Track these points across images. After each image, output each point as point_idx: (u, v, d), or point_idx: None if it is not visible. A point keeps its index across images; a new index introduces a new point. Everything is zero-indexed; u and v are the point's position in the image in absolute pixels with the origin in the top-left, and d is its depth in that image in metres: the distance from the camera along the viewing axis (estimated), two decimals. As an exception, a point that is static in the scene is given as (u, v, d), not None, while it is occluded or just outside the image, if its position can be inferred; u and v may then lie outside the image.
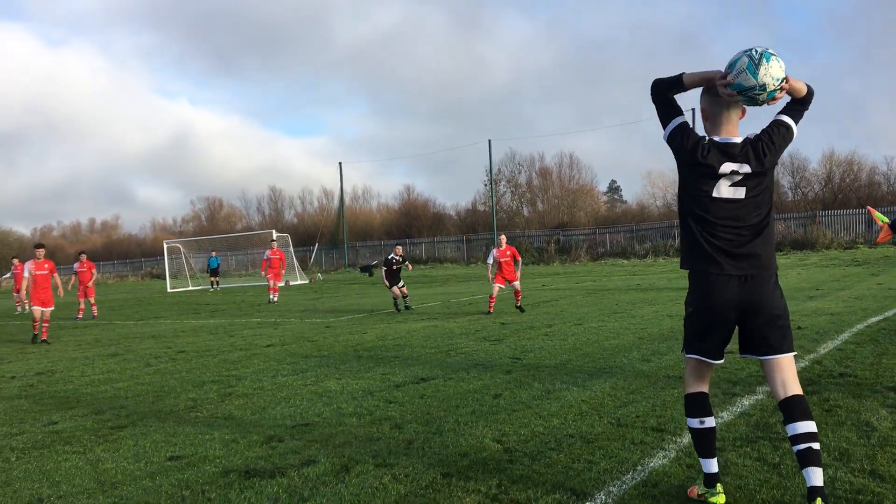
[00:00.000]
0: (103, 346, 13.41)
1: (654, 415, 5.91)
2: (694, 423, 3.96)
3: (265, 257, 25.50)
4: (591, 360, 8.77)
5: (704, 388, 4.00)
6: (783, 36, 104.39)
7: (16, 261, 27.25)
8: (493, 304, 16.12)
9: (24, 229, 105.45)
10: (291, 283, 39.68)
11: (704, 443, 3.95)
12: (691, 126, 3.91)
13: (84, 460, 5.47)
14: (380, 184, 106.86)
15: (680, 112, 3.94)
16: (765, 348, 3.79)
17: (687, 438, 5.15)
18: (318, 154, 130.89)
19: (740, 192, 3.78)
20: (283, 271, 26.16)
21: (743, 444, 5.01)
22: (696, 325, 3.88)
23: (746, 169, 3.75)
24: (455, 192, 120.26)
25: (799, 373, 7.18)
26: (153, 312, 22.66)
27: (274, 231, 43.73)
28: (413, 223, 66.26)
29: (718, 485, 3.95)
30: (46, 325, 14.97)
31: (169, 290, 40.67)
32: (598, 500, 4.07)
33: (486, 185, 60.18)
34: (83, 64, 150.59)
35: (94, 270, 22.34)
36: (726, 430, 5.34)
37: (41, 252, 15.64)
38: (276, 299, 24.07)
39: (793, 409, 3.72)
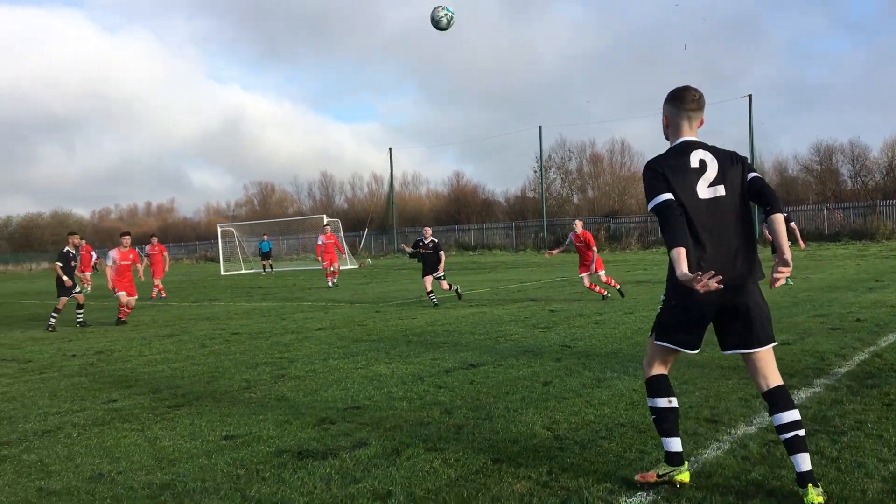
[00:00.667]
0: (160, 327, 13.74)
1: (708, 405, 5.82)
2: (662, 402, 4.10)
3: (319, 242, 25.65)
4: (642, 349, 8.66)
5: (666, 371, 4.20)
6: (843, 20, 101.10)
7: (83, 241, 27.53)
8: (596, 289, 15.49)
9: (83, 212, 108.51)
10: (341, 268, 40.04)
11: (671, 421, 4.09)
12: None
13: (142, 437, 5.62)
14: (429, 170, 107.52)
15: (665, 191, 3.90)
16: (749, 342, 3.90)
17: (742, 430, 5.07)
18: (367, 139, 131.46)
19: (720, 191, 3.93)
20: (344, 255, 26.40)
21: (800, 437, 4.90)
22: (679, 317, 4.00)
23: (715, 163, 3.93)
24: (504, 179, 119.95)
25: (859, 365, 7.03)
26: (207, 295, 23.13)
27: (325, 216, 44.17)
28: (462, 209, 66.25)
29: (686, 462, 4.07)
30: (129, 311, 15.14)
31: (222, 273, 41.42)
32: (650, 491, 4.03)
33: (535, 171, 59.79)
34: (138, 50, 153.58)
35: (165, 253, 22.88)
36: (782, 422, 5.24)
37: (127, 240, 15.55)
38: (333, 283, 24.20)
39: (777, 399, 3.89)
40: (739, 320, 3.91)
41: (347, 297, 19.38)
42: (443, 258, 16.31)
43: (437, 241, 16.44)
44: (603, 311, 12.93)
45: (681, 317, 4.00)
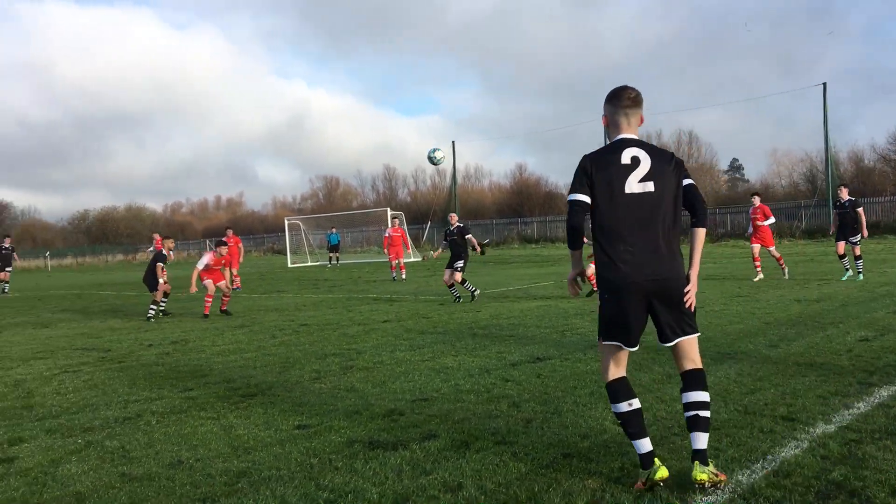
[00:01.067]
0: (231, 318, 14.08)
1: (784, 403, 5.68)
2: (623, 406, 4.17)
3: (386, 234, 25.82)
4: (713, 344, 8.50)
5: (623, 373, 4.29)
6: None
7: (156, 235, 28.44)
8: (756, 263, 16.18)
9: (156, 206, 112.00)
10: (405, 261, 40.34)
11: (635, 424, 4.14)
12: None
13: (218, 426, 5.77)
14: (491, 162, 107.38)
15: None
16: (680, 331, 4.18)
17: (821, 429, 4.93)
18: (430, 132, 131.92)
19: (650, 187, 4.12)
20: (409, 250, 26.49)
21: (882, 436, 4.74)
22: (614, 313, 4.14)
23: (648, 161, 4.13)
24: (567, 171, 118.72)
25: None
26: (275, 286, 23.58)
27: (388, 209, 44.53)
28: (525, 202, 65.96)
29: (656, 459, 4.07)
30: (227, 298, 15.26)
31: (289, 265, 42.19)
32: (726, 489, 3.96)
33: (600, 163, 59.13)
34: (206, 46, 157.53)
35: (240, 245, 23.49)
36: (863, 421, 5.08)
37: (225, 249, 15.54)
38: (399, 276, 24.35)
39: (693, 380, 4.22)
40: (671, 312, 4.12)
41: (411, 289, 19.51)
42: (472, 240, 15.94)
43: (462, 224, 15.98)
44: (671, 305, 12.71)
45: (615, 312, 4.12)
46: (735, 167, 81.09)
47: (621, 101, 4.29)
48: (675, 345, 4.21)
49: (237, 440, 5.34)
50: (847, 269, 16.25)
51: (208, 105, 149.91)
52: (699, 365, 4.25)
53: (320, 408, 6.21)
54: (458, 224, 15.90)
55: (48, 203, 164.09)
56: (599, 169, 4.14)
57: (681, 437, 4.90)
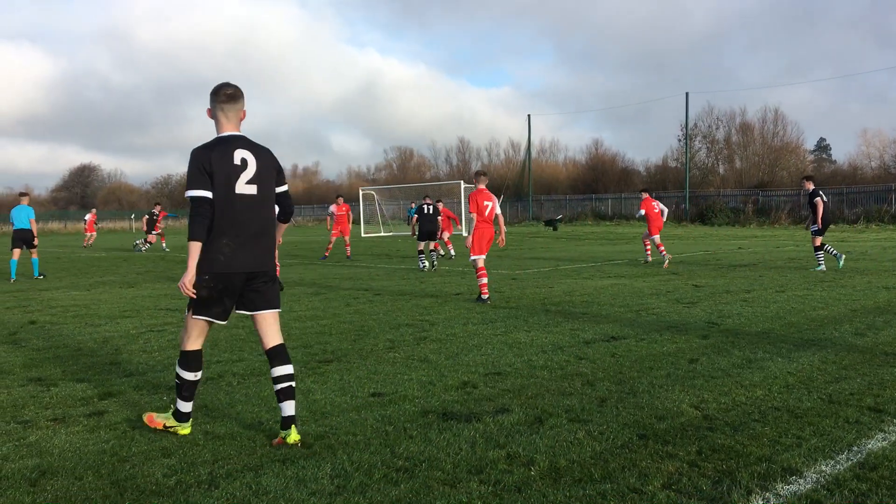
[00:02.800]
0: (307, 286, 14.36)
1: (871, 393, 5.47)
2: (191, 376, 4.70)
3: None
4: (796, 329, 8.25)
5: (201, 346, 4.76)
6: None
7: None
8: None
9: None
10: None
11: (191, 390, 4.74)
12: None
13: (296, 390, 5.90)
14: (565, 136, 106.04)
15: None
16: (263, 306, 4.71)
17: (912, 423, 4.74)
18: (502, 104, 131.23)
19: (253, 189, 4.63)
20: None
21: (979, 435, 4.52)
22: (213, 293, 4.56)
23: (254, 165, 4.63)
24: (645, 147, 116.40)
25: None
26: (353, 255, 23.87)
27: (462, 182, 44.52)
28: (600, 178, 65.00)
29: (190, 420, 4.78)
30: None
31: (363, 234, 42.71)
32: (809, 479, 3.85)
33: (679, 140, 57.76)
34: (280, 13, 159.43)
35: (349, 212, 23.28)
36: (958, 418, 4.85)
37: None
38: (443, 254, 24.02)
39: (277, 355, 4.72)
40: (259, 292, 4.68)
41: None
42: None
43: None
44: (751, 288, 12.37)
45: (214, 293, 4.55)
46: (822, 147, 78.13)
47: (219, 97, 4.68)
48: (258, 320, 4.75)
49: (314, 404, 5.46)
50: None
51: (282, 73, 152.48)
52: (281, 341, 4.79)
53: (394, 377, 6.29)
54: (431, 203, 19.27)
55: (131, 167, 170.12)
56: (219, 167, 4.51)
57: (761, 423, 4.79)
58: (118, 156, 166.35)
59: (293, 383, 4.69)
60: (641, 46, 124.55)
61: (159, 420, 4.83)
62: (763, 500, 3.61)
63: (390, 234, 44.05)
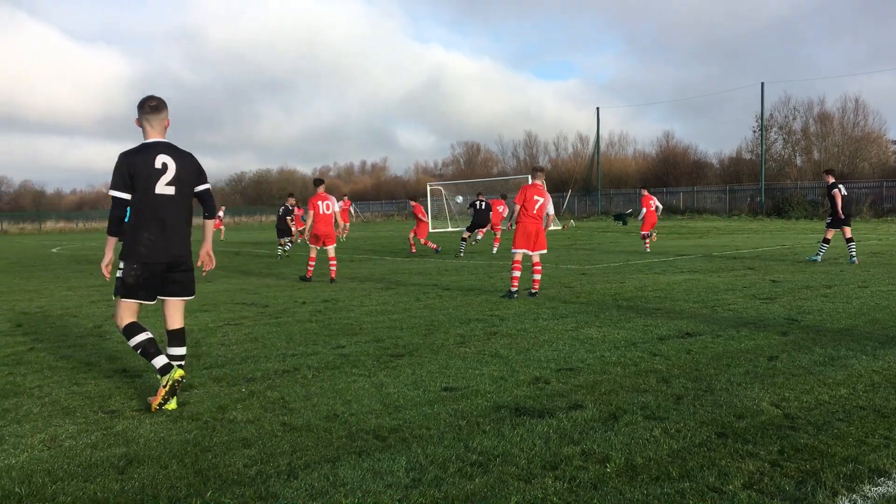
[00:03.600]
0: (377, 280, 14.52)
1: (965, 395, 5.22)
2: (140, 338, 5.32)
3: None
4: (881, 327, 7.94)
5: (136, 318, 5.41)
6: None
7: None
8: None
9: (304, 169, 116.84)
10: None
11: (151, 348, 5.30)
12: None
13: (370, 383, 5.99)
14: (634, 128, 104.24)
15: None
16: (179, 293, 5.51)
17: None
18: (569, 97, 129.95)
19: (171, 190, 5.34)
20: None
21: None
22: (138, 280, 5.29)
23: (174, 168, 5.34)
24: (718, 139, 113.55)
25: None
26: (418, 251, 24.05)
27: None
28: (671, 171, 63.76)
29: (173, 367, 5.32)
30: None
31: (430, 230, 42.89)
32: (899, 482, 3.70)
33: (754, 131, 56.15)
34: (346, 10, 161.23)
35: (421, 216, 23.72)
36: None
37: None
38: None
39: (175, 337, 5.58)
40: (176, 282, 5.45)
41: (552, 258, 19.37)
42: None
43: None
44: (832, 283, 11.96)
45: (139, 280, 5.27)
46: (907, 137, 74.67)
47: (144, 108, 5.36)
48: (167, 305, 5.53)
49: (388, 398, 5.52)
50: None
51: (348, 69, 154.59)
52: (182, 325, 5.60)
53: (466, 371, 6.31)
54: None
55: (205, 165, 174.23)
56: (140, 171, 5.20)
57: (845, 423, 4.63)
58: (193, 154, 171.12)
59: (183, 363, 5.58)
60: (714, 34, 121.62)
61: (157, 396, 5.33)
62: (850, 501, 3.50)
63: (457, 229, 44.11)
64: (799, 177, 54.09)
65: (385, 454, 4.26)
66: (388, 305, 10.58)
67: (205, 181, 5.60)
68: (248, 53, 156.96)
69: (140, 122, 5.40)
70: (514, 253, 11.56)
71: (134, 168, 5.20)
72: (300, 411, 5.22)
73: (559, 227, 42.13)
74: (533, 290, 11.46)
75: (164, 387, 5.24)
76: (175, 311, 5.57)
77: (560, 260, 18.65)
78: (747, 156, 59.91)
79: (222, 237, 37.11)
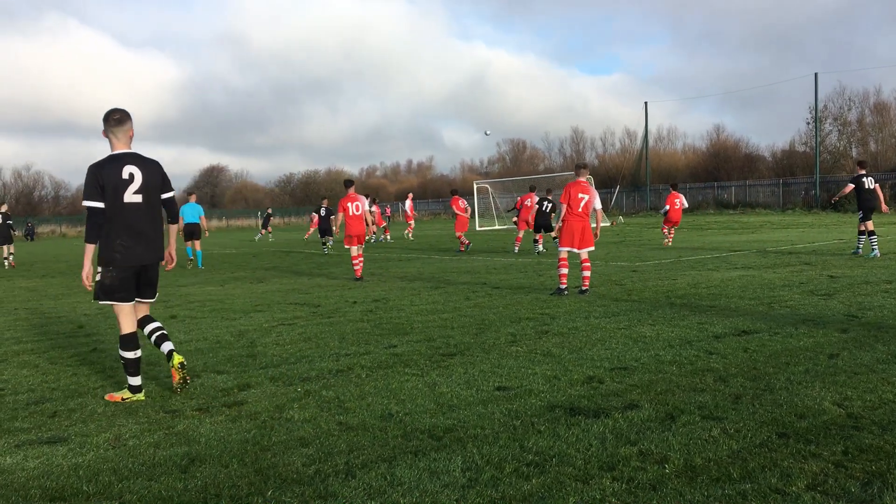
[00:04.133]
0: (426, 280, 14.57)
1: None
2: (130, 354, 5.73)
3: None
4: (946, 324, 7.69)
5: (135, 328, 5.83)
6: None
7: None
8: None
9: (352, 169, 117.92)
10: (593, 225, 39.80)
11: (135, 367, 5.75)
12: None
13: (422, 382, 6.02)
14: (683, 122, 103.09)
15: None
16: (150, 295, 5.97)
17: None
18: (615, 91, 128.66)
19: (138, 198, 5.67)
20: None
21: None
22: (116, 283, 5.66)
23: (140, 178, 5.64)
24: (770, 131, 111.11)
25: None
26: (467, 246, 24.05)
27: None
28: (722, 165, 62.67)
29: (143, 389, 5.86)
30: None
31: (478, 228, 42.88)
32: (972, 485, 3.58)
33: (808, 123, 54.83)
34: (389, 10, 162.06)
35: (462, 210, 24.59)
36: None
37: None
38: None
39: (146, 319, 6.02)
40: (147, 285, 5.89)
41: (601, 255, 19.20)
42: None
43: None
44: (893, 278, 11.62)
45: (117, 282, 5.65)
46: (970, 125, 72.15)
47: (109, 122, 5.63)
48: (139, 307, 5.97)
49: (441, 397, 5.54)
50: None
51: (392, 69, 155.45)
52: (147, 313, 6.05)
53: (518, 371, 6.30)
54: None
55: (254, 166, 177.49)
56: (109, 180, 5.49)
57: (913, 425, 4.50)
58: (242, 156, 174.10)
59: (164, 330, 6.06)
60: (764, 23, 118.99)
61: (118, 395, 5.77)
62: (920, 505, 3.40)
63: (505, 227, 44.02)
64: (855, 169, 52.71)
65: (441, 454, 4.28)
66: (438, 304, 10.61)
67: (169, 189, 5.93)
68: (292, 55, 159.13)
69: (106, 134, 5.69)
70: (560, 251, 11.53)
71: (103, 178, 5.50)
72: (355, 410, 5.27)
73: (608, 224, 41.74)
74: (583, 288, 11.39)
75: (124, 399, 5.75)
76: (144, 310, 6.04)
77: (610, 257, 18.47)
78: (801, 148, 58.59)
79: (271, 238, 37.95)
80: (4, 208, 25.06)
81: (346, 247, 15.24)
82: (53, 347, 8.26)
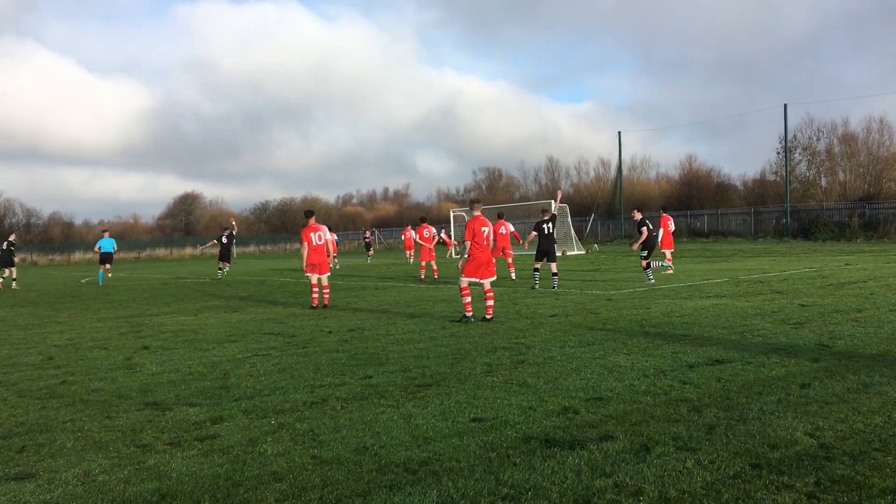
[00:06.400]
0: (403, 307, 14.53)
1: None
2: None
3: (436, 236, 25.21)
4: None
5: None
6: None
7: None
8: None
9: (328, 196, 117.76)
10: (568, 254, 40.01)
11: None
12: None
13: (398, 414, 5.99)
14: (657, 151, 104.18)
15: None
16: None
17: None
18: (586, 119, 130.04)
19: None
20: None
21: None
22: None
23: None
24: (741, 161, 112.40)
25: None
26: (441, 277, 24.06)
27: (553, 201, 44.20)
28: (694, 194, 63.40)
29: None
30: None
31: (453, 256, 42.89)
32: (941, 515, 3.63)
33: (778, 153, 55.73)
34: (356, 37, 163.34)
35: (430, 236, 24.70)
36: None
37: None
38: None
39: None
40: None
41: (577, 284, 19.29)
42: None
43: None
44: (863, 307, 11.80)
45: None
46: (934, 156, 73.75)
47: None
48: None
49: (417, 429, 5.51)
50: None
51: (363, 95, 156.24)
52: None
53: (494, 401, 6.29)
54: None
55: (227, 193, 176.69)
56: None
57: (882, 453, 4.55)
58: (213, 183, 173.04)
59: None
60: (734, 54, 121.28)
61: None
62: (891, 536, 3.43)
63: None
64: (823, 198, 53.56)
65: (416, 488, 4.26)
66: (414, 334, 10.59)
67: None
68: (262, 81, 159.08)
69: None
70: (461, 280, 12.14)
71: None
72: (330, 444, 5.23)
73: (583, 252, 41.98)
74: (487, 316, 11.95)
75: None
76: None
77: (585, 285, 18.56)
78: (771, 177, 59.43)
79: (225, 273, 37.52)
80: (12, 237, 28.28)
81: (307, 274, 15.47)
82: (22, 380, 8.11)
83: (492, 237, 12.33)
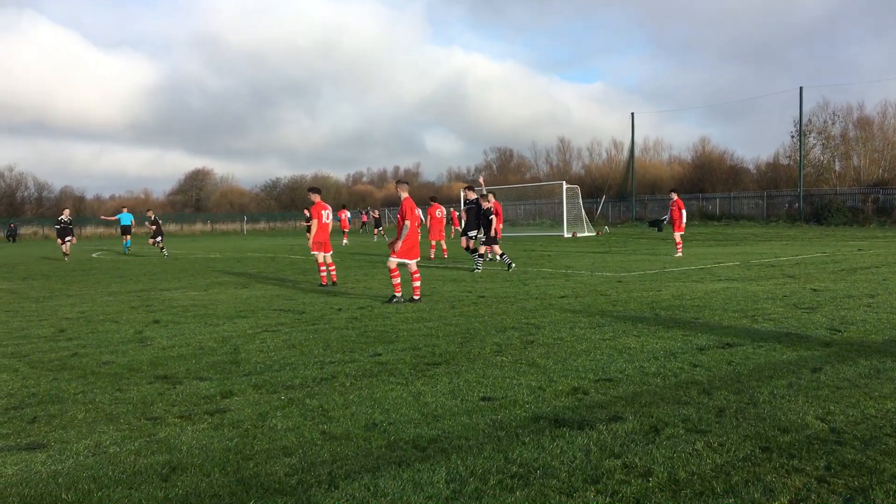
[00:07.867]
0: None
1: None
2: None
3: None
4: (928, 339, 7.75)
5: None
6: None
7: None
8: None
9: (338, 174, 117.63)
10: (578, 235, 39.92)
11: None
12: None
13: (407, 392, 6.00)
14: (669, 133, 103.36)
15: None
16: None
17: None
18: (596, 100, 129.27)
19: None
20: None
21: None
22: None
23: None
24: (755, 144, 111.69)
25: None
26: (452, 256, 24.04)
27: (564, 182, 44.07)
28: (707, 177, 63.06)
29: None
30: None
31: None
32: (952, 501, 3.61)
33: (793, 136, 55.27)
34: (363, 13, 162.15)
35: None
36: None
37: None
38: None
39: None
40: None
41: (587, 265, 19.25)
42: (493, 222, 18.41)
43: (477, 202, 18.77)
44: (875, 292, 11.72)
45: None
46: (951, 142, 72.99)
47: None
48: None
49: (426, 407, 5.52)
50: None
51: (370, 72, 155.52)
52: None
53: (503, 381, 6.29)
54: (473, 199, 18.95)
55: (236, 170, 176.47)
56: None
57: (894, 438, 4.53)
58: (221, 159, 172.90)
59: None
60: (749, 34, 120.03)
61: None
62: (902, 521, 3.42)
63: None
64: (837, 182, 53.17)
65: (424, 465, 4.26)
66: (424, 313, 10.59)
67: None
68: (269, 57, 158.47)
69: None
70: (391, 261, 12.20)
71: None
72: (339, 420, 5.24)
73: (593, 234, 41.86)
74: (415, 297, 12.13)
75: None
76: None
77: (595, 267, 18.51)
78: (785, 161, 59.03)
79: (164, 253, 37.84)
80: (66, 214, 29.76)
81: (314, 252, 15.45)
82: (34, 351, 8.17)
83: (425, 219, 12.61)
